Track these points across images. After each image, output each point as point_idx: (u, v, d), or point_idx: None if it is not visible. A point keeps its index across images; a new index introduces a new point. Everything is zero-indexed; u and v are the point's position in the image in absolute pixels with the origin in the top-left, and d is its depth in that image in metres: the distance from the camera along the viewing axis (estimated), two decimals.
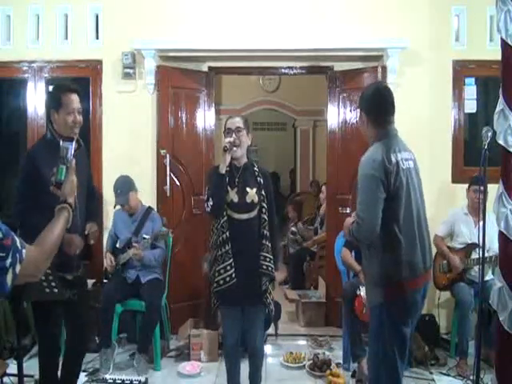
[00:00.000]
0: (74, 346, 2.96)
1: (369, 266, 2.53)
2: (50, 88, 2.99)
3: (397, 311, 2.42)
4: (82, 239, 2.77)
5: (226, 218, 2.97)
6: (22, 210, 2.67)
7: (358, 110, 2.65)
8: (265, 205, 3.00)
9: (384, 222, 2.37)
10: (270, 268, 2.99)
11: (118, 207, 4.11)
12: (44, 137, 2.81)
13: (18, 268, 1.47)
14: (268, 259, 2.99)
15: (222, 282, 2.96)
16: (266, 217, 3.00)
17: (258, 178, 3.04)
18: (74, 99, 2.71)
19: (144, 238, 3.93)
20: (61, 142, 2.02)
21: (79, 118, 2.72)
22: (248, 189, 2.99)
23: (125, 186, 3.99)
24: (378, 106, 2.56)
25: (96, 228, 2.97)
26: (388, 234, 2.39)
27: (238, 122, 3.03)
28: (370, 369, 2.67)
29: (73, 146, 1.99)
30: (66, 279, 2.70)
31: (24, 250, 1.50)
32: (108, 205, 4.50)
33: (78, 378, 3.04)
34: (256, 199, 2.98)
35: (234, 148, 2.96)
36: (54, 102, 2.71)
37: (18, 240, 1.50)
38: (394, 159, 2.41)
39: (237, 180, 3.01)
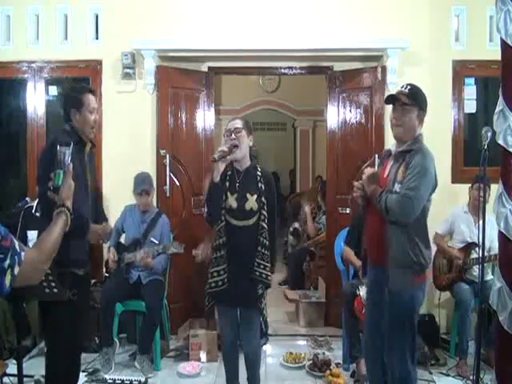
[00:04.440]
0: None
1: (402, 250, 2.59)
2: (67, 89, 3.12)
3: (417, 298, 2.65)
4: (103, 227, 2.90)
5: (224, 223, 2.95)
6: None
7: (415, 107, 2.64)
8: (264, 212, 2.96)
9: (423, 214, 2.63)
10: (263, 275, 2.96)
11: (129, 203, 4.12)
12: (63, 129, 2.81)
13: (16, 270, 1.47)
14: (262, 266, 2.95)
15: (213, 284, 2.97)
16: (264, 224, 2.95)
17: (260, 184, 2.98)
18: (93, 99, 2.82)
19: (152, 242, 3.93)
20: (58, 147, 2.00)
21: (97, 117, 2.85)
22: (248, 195, 2.95)
23: (150, 182, 4.09)
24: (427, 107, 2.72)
25: (111, 227, 3.13)
26: (424, 224, 2.65)
27: (236, 123, 3.01)
28: (394, 363, 2.67)
29: (70, 151, 1.97)
30: (77, 275, 2.73)
31: (23, 253, 1.50)
32: (108, 204, 4.50)
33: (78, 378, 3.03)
34: (255, 207, 2.94)
35: (228, 156, 2.91)
36: (75, 102, 2.77)
37: (16, 242, 1.50)
38: None
39: (237, 185, 2.98)
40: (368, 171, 2.70)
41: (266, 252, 2.98)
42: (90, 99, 2.80)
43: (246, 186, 2.97)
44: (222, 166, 2.90)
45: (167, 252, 3.91)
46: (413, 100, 2.64)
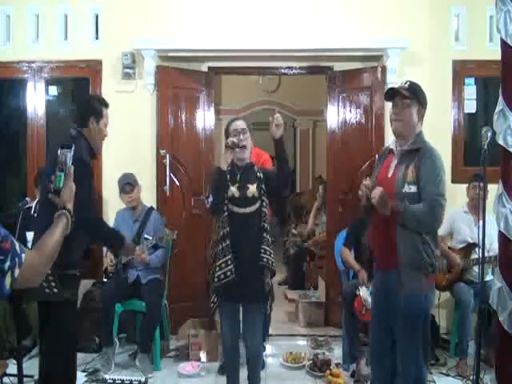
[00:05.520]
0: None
1: (415, 251, 2.53)
2: (88, 98, 3.39)
3: (430, 300, 2.66)
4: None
5: (226, 213, 2.99)
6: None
7: (415, 101, 2.62)
8: (265, 199, 3.02)
9: None
10: (270, 261, 3.01)
11: (120, 208, 4.12)
12: (70, 136, 2.83)
13: (16, 272, 1.46)
14: (268, 252, 3.00)
15: (222, 276, 2.97)
16: (266, 210, 3.03)
17: (258, 174, 3.07)
18: (108, 115, 2.95)
19: (146, 239, 3.93)
20: (59, 149, 1.99)
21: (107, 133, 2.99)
22: (249, 185, 3.02)
23: (134, 178, 4.08)
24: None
25: None
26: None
27: (242, 124, 3.10)
28: (409, 365, 2.62)
29: (71, 153, 1.96)
30: (76, 275, 2.74)
31: (23, 255, 1.49)
32: (108, 205, 4.51)
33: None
34: (257, 194, 3.01)
35: (237, 149, 2.99)
36: (97, 111, 2.87)
37: (17, 244, 1.49)
38: None
39: (238, 176, 3.05)
40: (377, 192, 2.51)
41: (270, 238, 3.04)
42: (107, 113, 2.93)
43: (246, 177, 3.05)
44: (230, 156, 2.99)
45: (161, 242, 3.90)
46: (412, 94, 2.61)
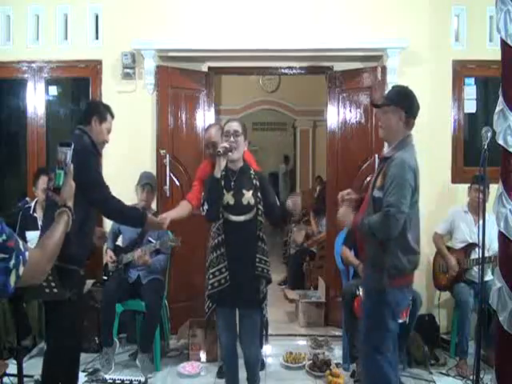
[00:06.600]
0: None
1: (375, 254, 2.58)
2: (96, 101, 3.67)
3: (393, 300, 2.57)
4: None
5: (222, 220, 2.96)
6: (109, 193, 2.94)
7: (392, 107, 2.60)
8: (261, 207, 2.98)
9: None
10: (265, 270, 2.99)
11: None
12: (74, 134, 2.92)
13: (21, 270, 1.48)
14: (263, 261, 2.98)
15: (216, 284, 2.95)
16: (262, 219, 2.99)
17: (254, 181, 3.02)
18: (112, 124, 3.05)
19: (149, 242, 3.93)
20: (58, 147, 1.99)
21: (108, 139, 3.06)
22: (244, 191, 2.98)
23: (155, 181, 4.20)
24: (417, 108, 2.64)
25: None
26: (402, 231, 2.53)
27: (236, 125, 3.03)
28: (365, 364, 2.68)
29: (71, 151, 1.96)
30: (76, 272, 2.76)
31: (27, 253, 1.51)
32: None
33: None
34: (252, 201, 2.97)
35: (230, 153, 2.95)
36: (101, 113, 2.97)
37: (21, 242, 1.50)
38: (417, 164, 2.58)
39: (233, 183, 3.00)
40: (340, 212, 2.72)
41: (265, 247, 3.02)
42: (111, 121, 3.01)
43: (241, 183, 3.01)
44: (223, 163, 2.95)
45: (165, 247, 3.90)
46: (389, 100, 2.63)
